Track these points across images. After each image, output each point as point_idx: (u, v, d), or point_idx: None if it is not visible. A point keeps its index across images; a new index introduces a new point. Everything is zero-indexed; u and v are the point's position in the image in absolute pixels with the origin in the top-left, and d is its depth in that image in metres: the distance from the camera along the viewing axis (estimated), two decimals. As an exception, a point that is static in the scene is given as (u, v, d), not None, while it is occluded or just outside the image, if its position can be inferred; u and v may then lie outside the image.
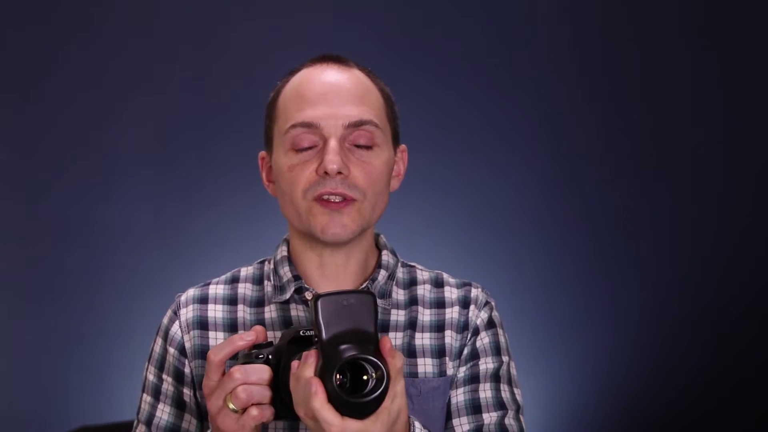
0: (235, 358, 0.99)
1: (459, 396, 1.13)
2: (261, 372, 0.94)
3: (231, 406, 0.93)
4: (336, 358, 0.86)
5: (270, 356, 0.96)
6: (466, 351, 1.15)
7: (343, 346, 0.87)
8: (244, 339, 0.97)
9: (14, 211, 2.36)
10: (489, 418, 1.11)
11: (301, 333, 0.96)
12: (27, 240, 2.37)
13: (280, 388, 0.95)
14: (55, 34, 2.39)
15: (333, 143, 1.07)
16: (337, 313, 0.88)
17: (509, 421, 1.12)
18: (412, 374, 1.12)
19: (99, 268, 2.37)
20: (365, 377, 0.88)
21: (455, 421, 1.12)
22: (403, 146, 1.20)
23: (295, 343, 0.96)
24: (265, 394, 0.94)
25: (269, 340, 0.99)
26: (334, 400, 0.86)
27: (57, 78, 2.39)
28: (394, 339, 1.13)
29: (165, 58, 2.44)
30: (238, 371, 0.93)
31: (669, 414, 2.52)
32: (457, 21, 2.55)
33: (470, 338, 1.16)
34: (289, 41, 2.39)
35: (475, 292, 1.19)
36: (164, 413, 1.14)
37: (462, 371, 1.14)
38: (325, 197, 1.08)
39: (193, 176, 2.43)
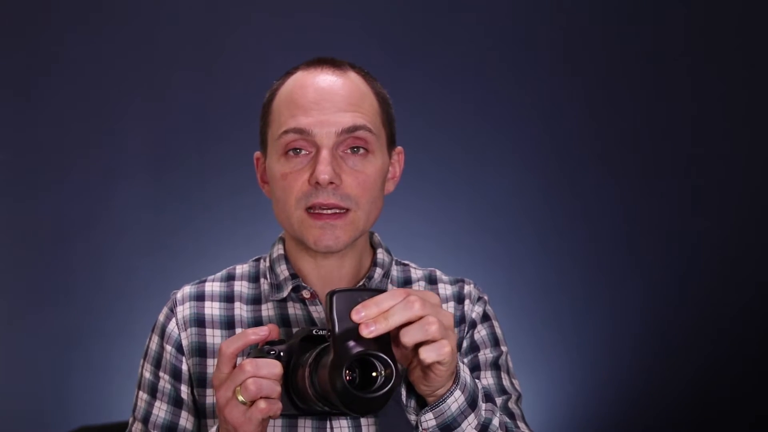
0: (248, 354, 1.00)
1: None
2: (272, 366, 0.94)
3: (240, 398, 0.93)
4: (346, 353, 0.87)
5: (282, 353, 0.97)
6: (465, 344, 1.17)
7: (354, 342, 0.88)
8: (257, 333, 0.97)
9: (14, 211, 2.36)
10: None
11: (314, 332, 0.97)
12: (27, 240, 2.37)
13: (289, 385, 0.96)
14: (55, 35, 2.39)
15: (325, 153, 1.07)
16: (350, 309, 0.89)
17: (512, 405, 1.14)
18: None
19: (99, 268, 2.37)
20: (374, 374, 0.88)
21: None
22: (399, 148, 1.19)
23: (307, 342, 0.97)
24: (275, 388, 0.93)
25: (282, 338, 1.00)
26: (344, 394, 0.87)
27: (57, 78, 2.39)
28: None
29: (164, 59, 2.44)
30: (249, 364, 0.93)
31: (669, 413, 2.52)
32: (457, 21, 2.55)
33: (468, 331, 1.18)
34: (289, 41, 2.39)
35: (468, 288, 1.21)
36: (161, 411, 1.13)
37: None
38: (317, 210, 1.08)
39: (193, 176, 2.43)
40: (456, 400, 0.96)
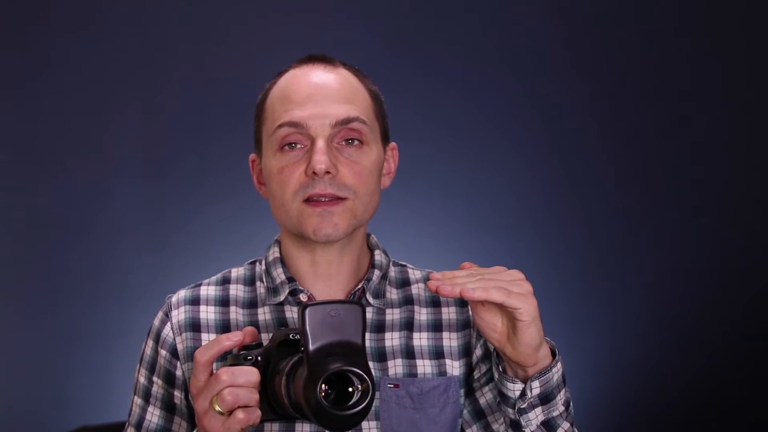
0: (225, 359, 0.99)
1: (487, 395, 1.15)
2: (248, 374, 0.93)
3: (217, 408, 0.92)
4: (322, 369, 0.86)
5: (258, 358, 0.95)
6: (479, 352, 1.16)
7: (330, 357, 0.86)
8: (231, 339, 0.96)
9: (14, 210, 2.36)
10: None
11: (290, 336, 0.95)
12: (26, 240, 2.37)
13: (267, 391, 0.95)
14: (53, 34, 2.39)
15: (320, 143, 1.07)
16: (324, 323, 0.87)
17: None
18: (411, 374, 1.12)
19: (98, 268, 2.37)
20: (350, 389, 0.87)
21: (490, 419, 1.14)
22: (393, 144, 1.20)
23: (284, 346, 0.95)
24: (252, 396, 0.92)
25: (260, 341, 0.99)
26: (317, 411, 0.85)
27: (56, 78, 2.39)
28: (390, 338, 1.14)
29: (164, 59, 2.44)
30: (225, 373, 0.92)
31: (669, 414, 2.52)
32: (457, 19, 2.55)
33: (478, 337, 1.16)
34: (288, 42, 2.39)
35: None
36: (154, 416, 1.14)
37: (482, 371, 1.15)
38: (315, 198, 1.08)
39: (193, 176, 2.43)
40: (558, 372, 1.02)
